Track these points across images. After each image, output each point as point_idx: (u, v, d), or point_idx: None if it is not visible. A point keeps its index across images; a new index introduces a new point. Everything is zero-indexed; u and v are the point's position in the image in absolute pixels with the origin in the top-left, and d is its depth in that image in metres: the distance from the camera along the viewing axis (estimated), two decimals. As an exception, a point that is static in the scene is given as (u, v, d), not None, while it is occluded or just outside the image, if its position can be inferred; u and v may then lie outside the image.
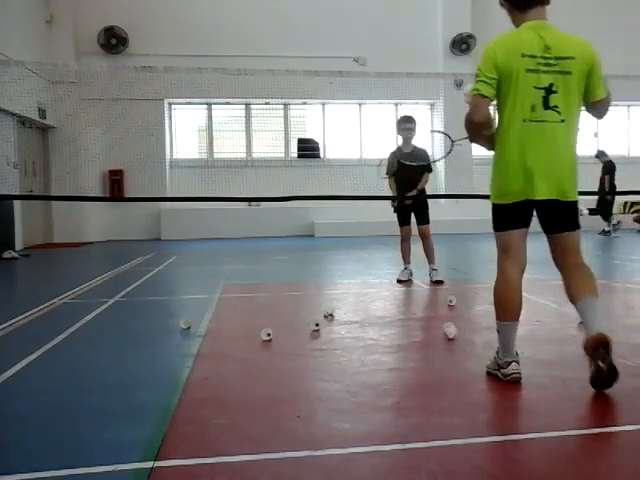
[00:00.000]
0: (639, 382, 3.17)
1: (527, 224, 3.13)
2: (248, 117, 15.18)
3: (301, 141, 15.24)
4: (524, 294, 3.18)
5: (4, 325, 4.70)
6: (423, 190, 6.85)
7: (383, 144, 11.23)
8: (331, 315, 4.87)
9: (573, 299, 3.10)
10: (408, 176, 6.68)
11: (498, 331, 3.16)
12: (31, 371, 3.53)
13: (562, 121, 2.99)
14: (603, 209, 12.96)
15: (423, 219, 6.81)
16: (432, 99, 14.80)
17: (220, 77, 11.51)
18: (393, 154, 6.86)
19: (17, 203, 11.13)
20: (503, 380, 3.12)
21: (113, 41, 13.80)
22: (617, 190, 12.39)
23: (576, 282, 3.08)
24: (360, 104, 15.26)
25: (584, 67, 2.99)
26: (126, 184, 13.88)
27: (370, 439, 2.46)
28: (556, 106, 2.96)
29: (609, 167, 12.77)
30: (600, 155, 13.04)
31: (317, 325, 4.41)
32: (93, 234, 13.69)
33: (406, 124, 6.73)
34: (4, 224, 10.27)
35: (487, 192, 3.26)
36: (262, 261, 9.60)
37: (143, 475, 2.18)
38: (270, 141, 15.11)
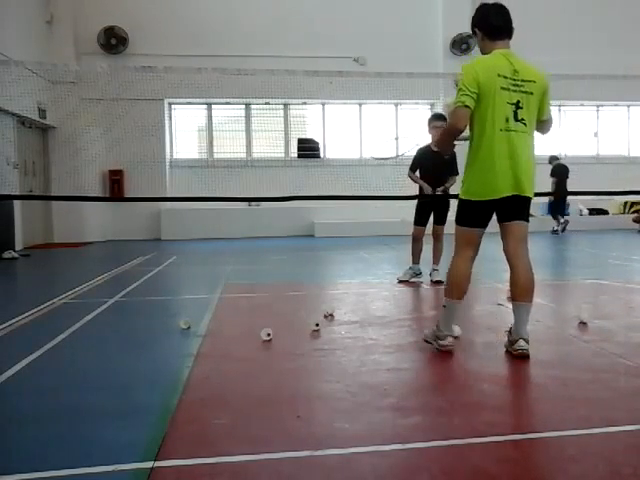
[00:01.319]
0: (639, 382, 3.17)
1: (487, 225, 3.67)
2: (248, 117, 15.18)
3: (301, 141, 15.23)
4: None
5: (4, 325, 4.70)
6: (447, 190, 6.74)
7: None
8: (331, 315, 4.88)
9: (513, 297, 3.65)
10: (435, 174, 6.61)
11: (444, 306, 3.75)
12: (31, 371, 3.53)
13: (526, 132, 3.58)
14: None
15: (441, 219, 6.76)
16: (432, 99, 14.79)
17: (220, 77, 11.51)
18: (421, 150, 6.77)
19: (17, 203, 11.12)
20: (439, 350, 3.71)
21: (113, 41, 13.79)
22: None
23: (519, 285, 3.60)
24: (360, 104, 15.26)
25: (541, 91, 3.61)
26: (126, 184, 13.87)
27: (370, 439, 2.46)
28: (523, 119, 3.55)
29: (555, 170, 13.37)
30: (552, 160, 13.66)
31: (317, 325, 4.41)
32: (93, 234, 13.68)
33: (437, 122, 6.51)
34: (4, 224, 10.26)
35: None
36: (262, 261, 9.60)
37: (143, 475, 2.18)
38: (270, 141, 15.09)
